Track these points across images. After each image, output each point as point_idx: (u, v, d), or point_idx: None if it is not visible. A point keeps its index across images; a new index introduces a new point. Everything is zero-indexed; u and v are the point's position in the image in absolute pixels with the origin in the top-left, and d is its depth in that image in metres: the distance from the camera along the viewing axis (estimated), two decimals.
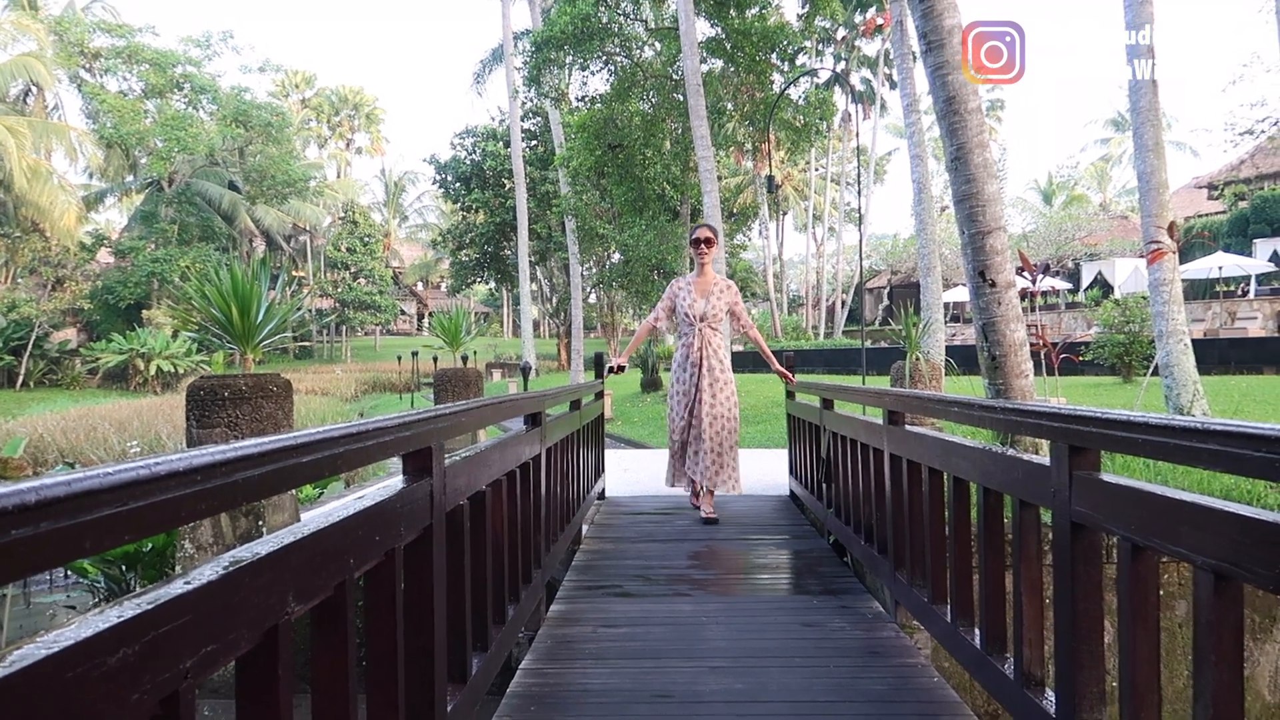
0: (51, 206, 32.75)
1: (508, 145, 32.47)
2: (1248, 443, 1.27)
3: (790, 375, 5.97)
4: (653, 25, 19.56)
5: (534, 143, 34.40)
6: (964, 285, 8.81)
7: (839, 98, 34.94)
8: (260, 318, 4.61)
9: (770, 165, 21.77)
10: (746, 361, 24.44)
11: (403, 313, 60.83)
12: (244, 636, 1.10)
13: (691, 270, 5.79)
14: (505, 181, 35.85)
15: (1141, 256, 9.62)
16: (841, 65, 37.23)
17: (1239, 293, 26.00)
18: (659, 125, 18.98)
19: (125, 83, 39.64)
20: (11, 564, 0.70)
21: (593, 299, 37.87)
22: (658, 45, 19.46)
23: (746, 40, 17.23)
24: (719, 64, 18.62)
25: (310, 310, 45.29)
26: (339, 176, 55.97)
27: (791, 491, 6.42)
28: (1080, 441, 1.85)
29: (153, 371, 32.82)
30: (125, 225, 43.06)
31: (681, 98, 17.61)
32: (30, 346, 34.00)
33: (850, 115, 38.49)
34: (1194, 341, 7.32)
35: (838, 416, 4.59)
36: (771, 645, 3.18)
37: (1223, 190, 30.85)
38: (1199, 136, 76.09)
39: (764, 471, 7.35)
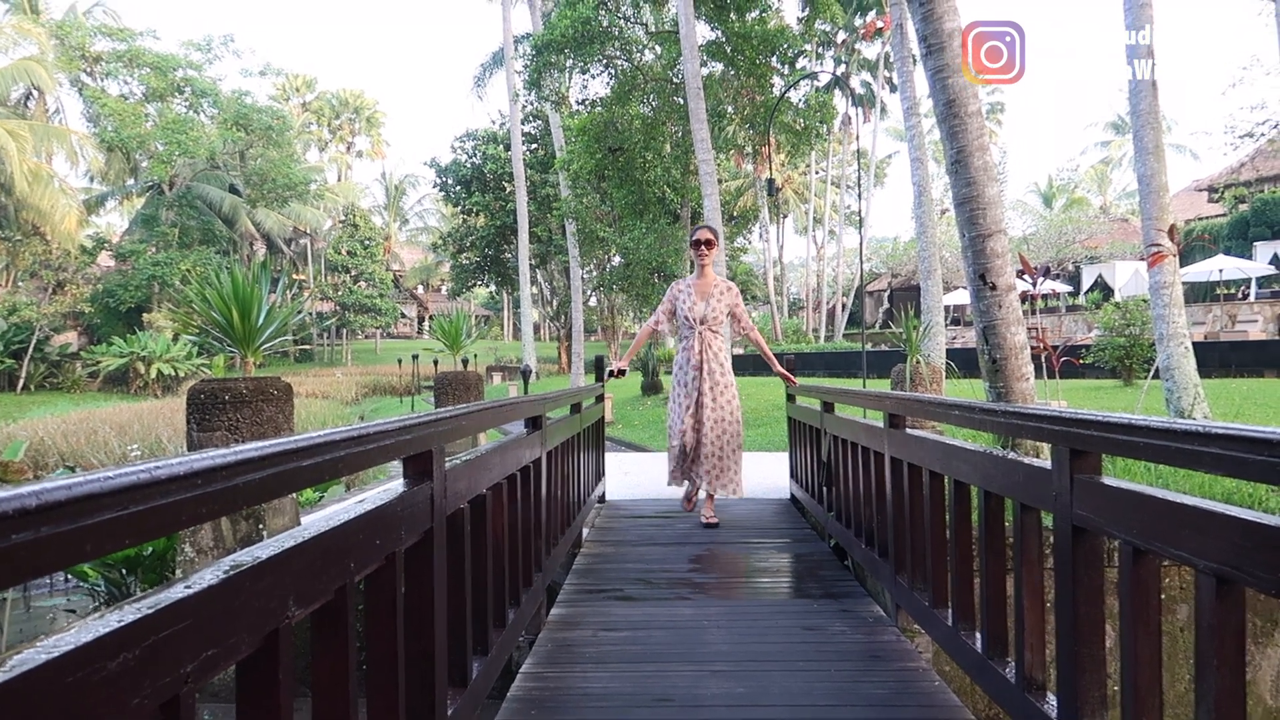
0: (52, 210, 32.78)
1: (508, 148, 32.48)
2: (1250, 446, 1.26)
3: (791, 377, 5.97)
4: (653, 29, 19.59)
5: (534, 146, 34.43)
6: (964, 288, 8.81)
7: (839, 101, 34.96)
8: (261, 321, 4.62)
9: (770, 168, 21.79)
10: (747, 364, 24.44)
11: (403, 316, 60.86)
12: (244, 640, 1.10)
13: (692, 272, 5.78)
14: (506, 185, 35.88)
15: (1142, 259, 9.62)
16: (842, 68, 37.26)
17: (1239, 296, 26.00)
18: (659, 128, 19.00)
19: (126, 86, 39.71)
20: (12, 568, 0.70)
21: (593, 302, 37.86)
22: (658, 49, 19.48)
23: (746, 44, 17.25)
24: (719, 67, 18.65)
25: (311, 313, 45.34)
26: (339, 180, 56.02)
27: (792, 495, 6.41)
28: (1081, 445, 1.85)
29: (153, 375, 32.82)
30: (126, 229, 43.09)
31: (682, 101, 17.63)
32: (31, 350, 34.02)
33: (850, 118, 38.49)
34: (1195, 344, 7.32)
35: (838, 420, 4.59)
36: (772, 649, 3.17)
37: (1223, 193, 30.86)
38: (1199, 139, 76.18)
39: (765, 475, 7.34)
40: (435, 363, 20.36)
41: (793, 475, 6.44)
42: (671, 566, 4.49)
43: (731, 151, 26.31)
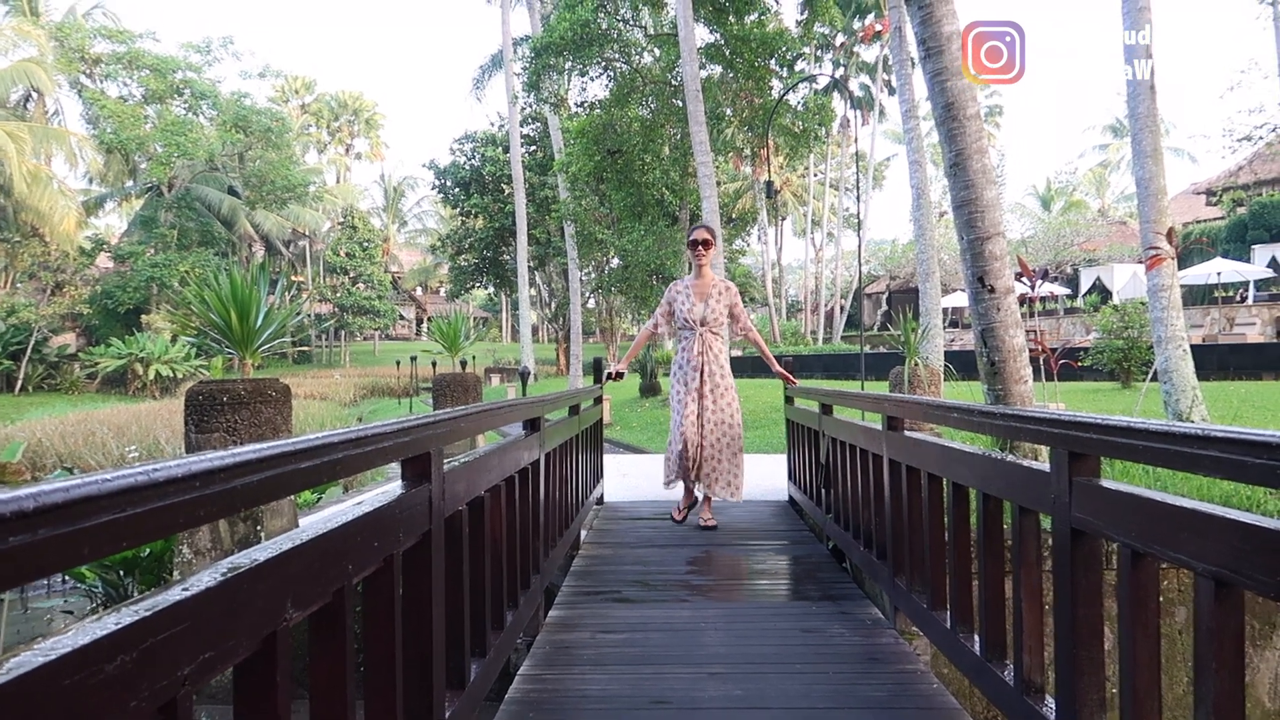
0: (51, 211, 32.75)
1: (507, 151, 32.52)
2: (1248, 449, 1.26)
3: (791, 377, 5.96)
4: (652, 31, 19.60)
5: (533, 148, 34.45)
6: (963, 290, 8.81)
7: (838, 103, 35.04)
8: (259, 323, 4.62)
9: (769, 171, 21.80)
10: (745, 366, 24.44)
11: (402, 318, 60.87)
12: (242, 643, 1.10)
13: (690, 274, 5.75)
14: (504, 187, 35.90)
15: (1140, 262, 9.63)
16: (840, 71, 37.32)
17: (1237, 298, 26.05)
18: (658, 131, 19.02)
19: (125, 88, 39.67)
20: (9, 570, 0.70)
21: (591, 304, 37.88)
22: (657, 51, 19.50)
23: (745, 46, 17.26)
24: (718, 70, 18.66)
25: (309, 315, 45.30)
26: (338, 181, 56.03)
27: (790, 497, 6.41)
28: (1080, 448, 1.85)
29: (151, 376, 32.78)
30: (125, 230, 43.09)
31: (680, 103, 17.64)
32: (29, 351, 33.98)
33: (849, 121, 38.54)
34: (1193, 347, 7.32)
35: (836, 422, 4.59)
36: (770, 651, 3.17)
37: (1221, 196, 30.91)
38: (1197, 143, 76.41)
39: (763, 477, 7.34)
40: (434, 364, 20.36)
41: (791, 477, 6.44)
42: (669, 568, 4.48)
43: (730, 154, 26.34)
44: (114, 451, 13.48)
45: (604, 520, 5.83)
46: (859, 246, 13.26)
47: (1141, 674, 1.66)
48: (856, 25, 34.72)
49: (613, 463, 8.67)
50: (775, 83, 18.70)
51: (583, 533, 5.24)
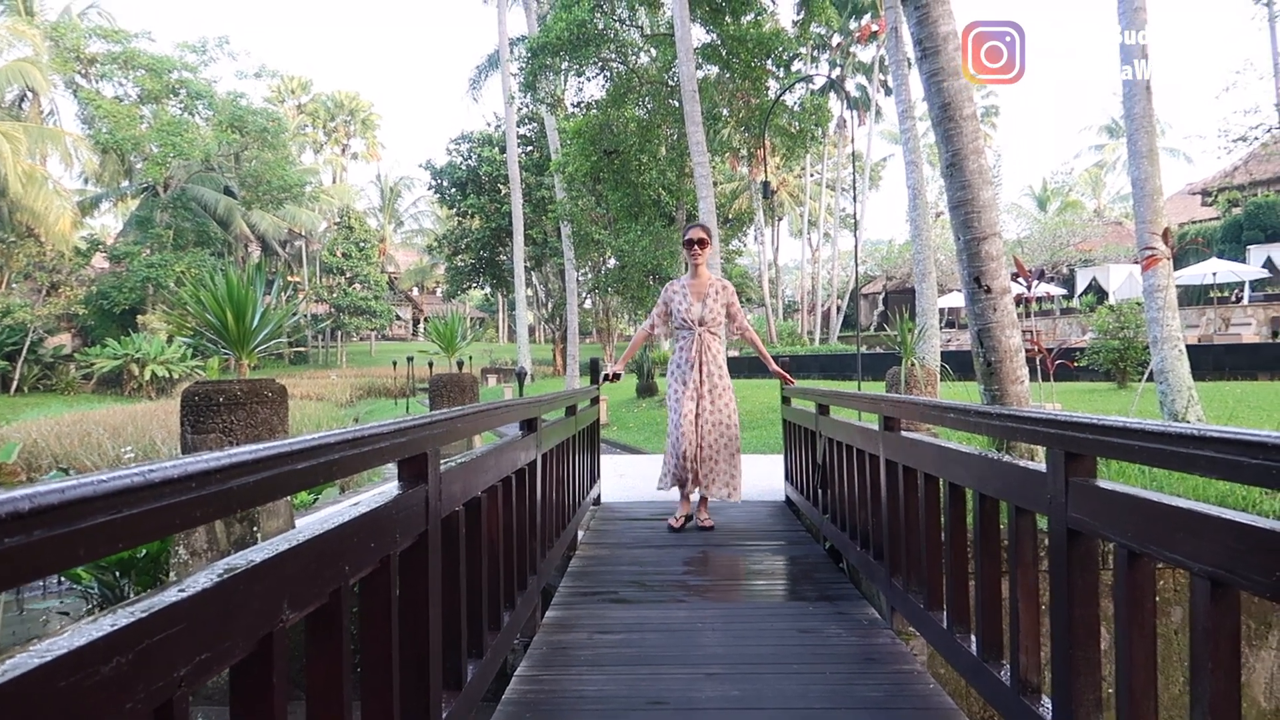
0: (46, 211, 32.69)
1: (503, 151, 32.52)
2: (1244, 449, 1.27)
3: (788, 375, 5.96)
4: (648, 32, 19.61)
5: (530, 148, 34.42)
6: (959, 291, 8.82)
7: (834, 104, 35.03)
8: (255, 323, 4.61)
9: (766, 171, 21.80)
10: (742, 366, 24.45)
11: (398, 318, 60.80)
12: (238, 644, 1.10)
13: (686, 273, 5.74)
14: (501, 187, 35.88)
15: (1136, 262, 9.65)
16: (837, 71, 37.35)
17: (1233, 299, 26.10)
18: (655, 131, 19.02)
19: (121, 88, 39.63)
20: (6, 572, 0.69)
21: (588, 304, 37.85)
22: (653, 51, 19.51)
23: (742, 46, 17.27)
24: (714, 70, 18.67)
25: (305, 315, 45.28)
26: (335, 182, 55.99)
27: (787, 497, 6.41)
28: (1076, 448, 1.85)
29: (147, 377, 32.73)
30: (120, 230, 42.99)
31: (677, 104, 17.65)
32: (25, 351, 33.90)
33: (845, 121, 38.61)
34: (1189, 347, 7.34)
35: (833, 422, 4.59)
36: (767, 651, 3.17)
37: (1216, 197, 30.98)
38: (1193, 143, 76.63)
39: (760, 477, 7.34)
40: (430, 365, 20.33)
41: (788, 478, 6.44)
42: (666, 569, 4.48)
43: (727, 154, 26.38)
44: (110, 452, 13.45)
45: (601, 521, 5.83)
46: (855, 247, 13.27)
47: (1138, 674, 1.66)
48: (853, 25, 34.76)
49: (610, 463, 8.66)
50: (772, 83, 18.72)
51: (580, 533, 5.24)
